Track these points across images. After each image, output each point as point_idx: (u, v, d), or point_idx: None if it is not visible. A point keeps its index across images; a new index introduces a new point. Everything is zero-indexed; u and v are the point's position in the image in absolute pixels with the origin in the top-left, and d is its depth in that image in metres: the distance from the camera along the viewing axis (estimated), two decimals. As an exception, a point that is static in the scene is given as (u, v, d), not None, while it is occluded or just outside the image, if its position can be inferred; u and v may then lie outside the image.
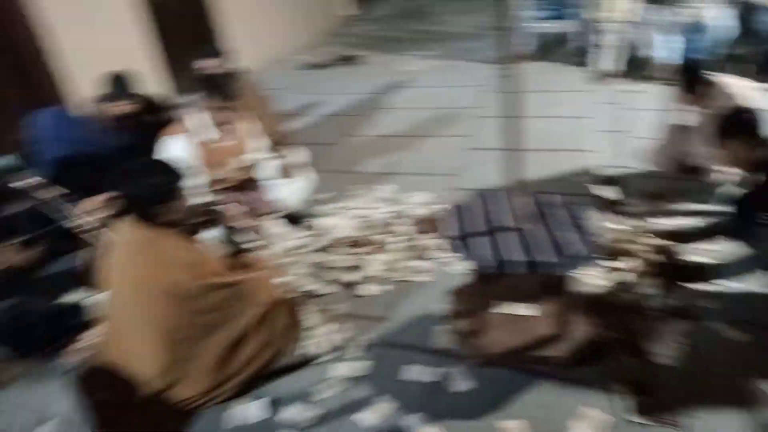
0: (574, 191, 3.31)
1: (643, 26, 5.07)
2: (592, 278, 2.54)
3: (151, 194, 1.94)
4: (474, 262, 1.95)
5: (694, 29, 4.78)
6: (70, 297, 2.48)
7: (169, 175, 1.99)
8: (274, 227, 3.08)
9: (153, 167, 2.01)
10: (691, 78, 2.99)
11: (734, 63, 4.70)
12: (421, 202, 3.42)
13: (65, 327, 2.42)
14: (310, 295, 2.65)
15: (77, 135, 2.92)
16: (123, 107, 2.95)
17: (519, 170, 1.99)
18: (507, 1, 1.69)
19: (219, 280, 2.00)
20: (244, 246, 2.26)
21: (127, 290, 1.94)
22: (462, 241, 2.00)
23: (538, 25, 5.89)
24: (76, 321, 2.44)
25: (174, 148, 2.64)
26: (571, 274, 2.07)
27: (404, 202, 3.44)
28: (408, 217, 3.23)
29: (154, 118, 3.05)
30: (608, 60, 5.14)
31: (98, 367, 2.11)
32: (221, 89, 2.61)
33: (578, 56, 5.60)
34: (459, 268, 2.77)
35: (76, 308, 2.46)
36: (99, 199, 2.40)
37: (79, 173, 2.66)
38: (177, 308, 1.91)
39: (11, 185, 2.42)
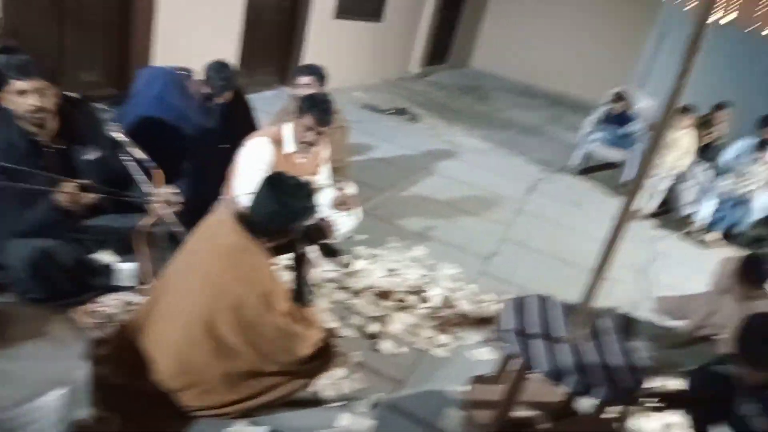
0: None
1: (691, 181, 5.26)
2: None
3: (286, 215, 1.89)
4: (528, 362, 1.93)
5: (738, 201, 4.95)
6: (105, 257, 2.40)
7: (309, 202, 1.95)
8: (311, 254, 3.05)
9: (301, 190, 1.94)
10: (754, 271, 2.95)
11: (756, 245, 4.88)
12: (450, 275, 3.42)
13: (89, 285, 2.34)
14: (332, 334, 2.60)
15: (176, 102, 2.91)
16: (223, 94, 2.97)
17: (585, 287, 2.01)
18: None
19: (280, 322, 1.94)
20: (310, 295, 2.21)
21: (193, 280, 1.89)
22: (519, 337, 1.99)
23: (592, 144, 6.08)
24: (102, 283, 2.37)
25: (259, 150, 2.64)
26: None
27: (435, 269, 3.44)
28: (438, 286, 3.22)
29: (242, 111, 3.06)
30: (647, 200, 5.28)
31: (117, 340, 2.04)
32: (322, 111, 2.62)
33: (622, 186, 5.77)
34: (480, 355, 2.75)
35: (106, 269, 2.38)
36: (168, 190, 2.34)
37: (157, 138, 2.62)
38: (228, 323, 1.86)
39: (101, 131, 2.35)
